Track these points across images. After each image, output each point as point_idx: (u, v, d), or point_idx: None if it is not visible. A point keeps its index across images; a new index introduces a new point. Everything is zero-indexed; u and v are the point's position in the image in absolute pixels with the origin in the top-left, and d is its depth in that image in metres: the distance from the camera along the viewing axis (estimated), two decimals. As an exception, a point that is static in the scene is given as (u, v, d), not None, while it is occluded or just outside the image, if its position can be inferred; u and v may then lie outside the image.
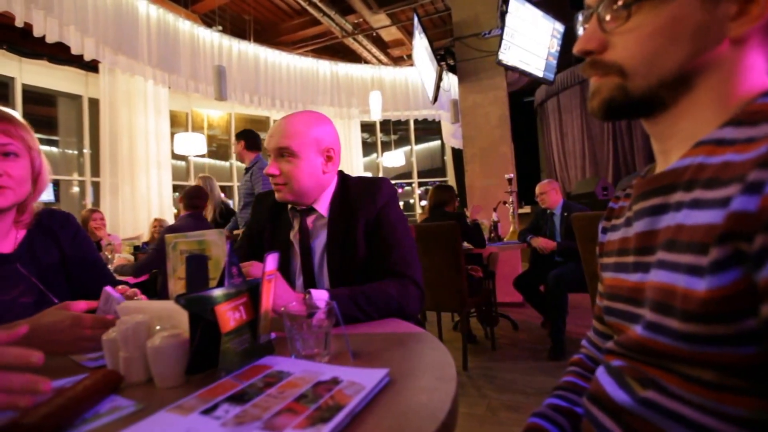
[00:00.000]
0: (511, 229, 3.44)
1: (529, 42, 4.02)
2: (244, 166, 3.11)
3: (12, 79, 4.44)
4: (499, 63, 3.79)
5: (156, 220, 3.92)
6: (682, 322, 0.36)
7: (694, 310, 0.35)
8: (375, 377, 0.50)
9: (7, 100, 4.40)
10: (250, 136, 3.05)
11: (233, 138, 3.07)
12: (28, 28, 3.21)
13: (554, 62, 4.37)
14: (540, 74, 4.25)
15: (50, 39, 3.28)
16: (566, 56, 4.32)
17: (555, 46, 4.31)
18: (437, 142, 7.49)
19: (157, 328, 0.59)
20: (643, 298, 0.43)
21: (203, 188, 2.93)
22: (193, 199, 2.79)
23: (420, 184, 7.31)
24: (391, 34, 5.73)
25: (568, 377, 0.62)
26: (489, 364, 2.50)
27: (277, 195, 1.02)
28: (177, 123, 5.59)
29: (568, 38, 4.39)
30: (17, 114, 0.88)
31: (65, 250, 0.94)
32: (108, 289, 0.74)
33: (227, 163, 6.29)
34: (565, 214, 2.89)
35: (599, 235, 0.59)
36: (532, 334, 3.05)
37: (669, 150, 0.46)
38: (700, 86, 0.42)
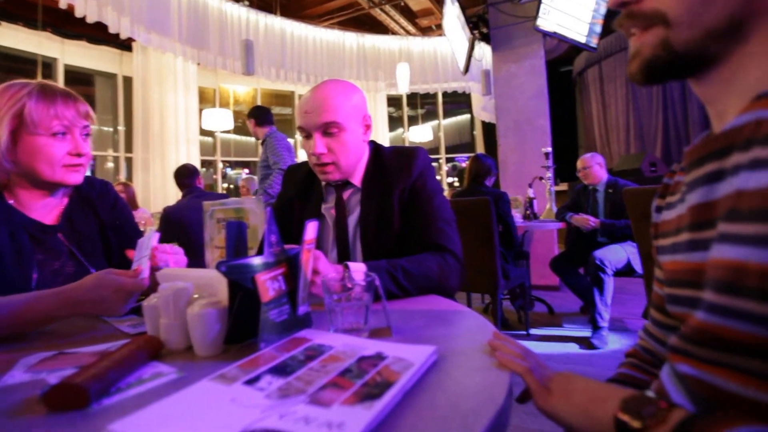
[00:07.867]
0: (547, 207, 3.28)
1: (572, 4, 3.69)
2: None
3: (55, 59, 4.65)
4: (538, 29, 3.53)
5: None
6: (761, 303, 0.31)
7: None
8: (422, 354, 0.47)
9: (51, 79, 4.56)
10: (259, 113, 3.09)
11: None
12: (69, 9, 3.32)
13: (599, 26, 3.98)
14: (582, 40, 3.90)
15: (90, 19, 3.37)
16: (611, 19, 3.95)
17: (602, 8, 3.92)
18: (466, 116, 7.26)
19: (195, 296, 0.58)
20: (703, 280, 0.37)
21: (187, 166, 2.70)
22: (185, 178, 2.56)
23: (447, 160, 7.15)
24: (419, 3, 5.49)
25: (624, 369, 0.56)
26: (522, 351, 2.40)
27: (323, 177, 0.96)
28: (205, 99, 5.67)
29: (615, -2, 4.00)
30: None
31: (103, 218, 0.95)
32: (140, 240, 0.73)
33: (253, 139, 6.35)
34: (610, 191, 2.72)
35: (653, 214, 0.53)
36: (569, 320, 2.91)
37: (725, 111, 0.40)
38: (756, 35, 0.36)
